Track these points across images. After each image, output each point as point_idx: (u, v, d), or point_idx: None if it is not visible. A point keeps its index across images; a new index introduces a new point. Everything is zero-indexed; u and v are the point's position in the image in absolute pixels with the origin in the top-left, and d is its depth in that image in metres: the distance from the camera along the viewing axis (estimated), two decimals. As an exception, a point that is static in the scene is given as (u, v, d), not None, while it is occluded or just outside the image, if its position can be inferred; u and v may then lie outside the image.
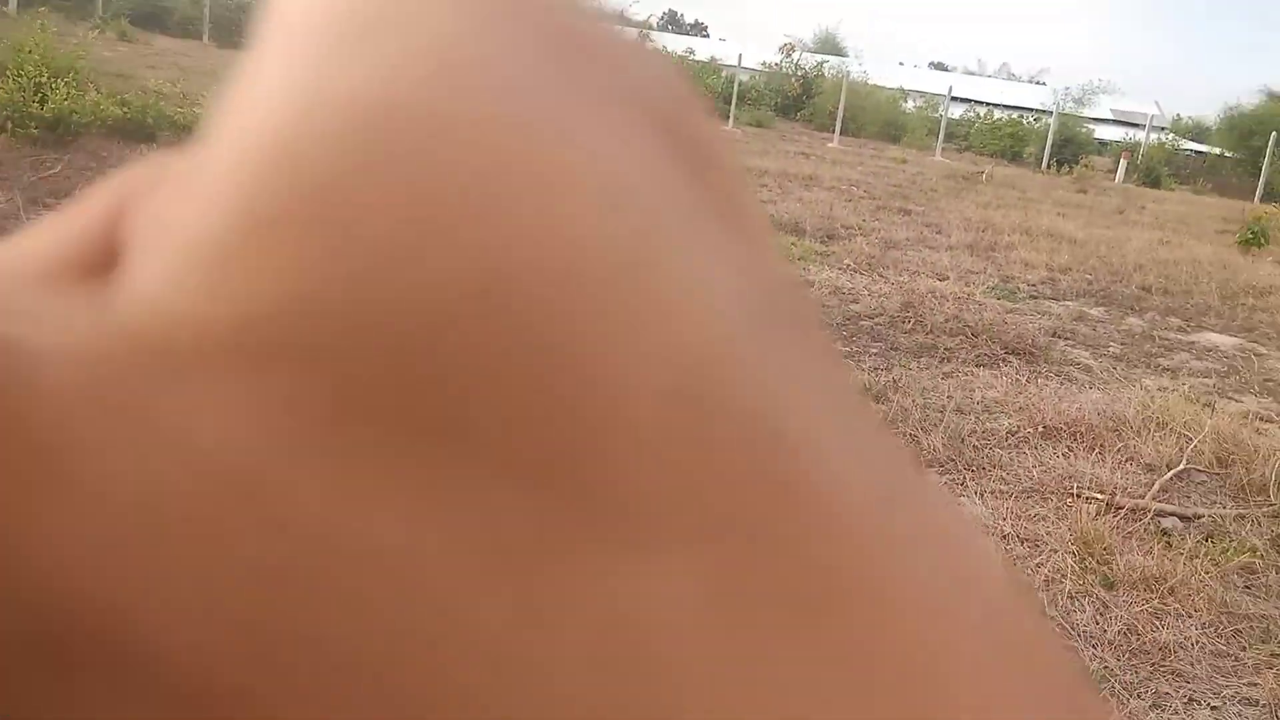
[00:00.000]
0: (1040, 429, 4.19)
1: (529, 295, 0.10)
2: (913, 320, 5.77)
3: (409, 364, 0.10)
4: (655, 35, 35.02)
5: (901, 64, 50.43)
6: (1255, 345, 6.49)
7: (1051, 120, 29.09)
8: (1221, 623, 2.83)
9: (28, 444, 0.10)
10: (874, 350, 5.16)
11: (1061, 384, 4.89)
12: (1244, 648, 2.74)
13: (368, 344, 0.10)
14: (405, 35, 0.11)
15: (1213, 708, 2.47)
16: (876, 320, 5.76)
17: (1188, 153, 32.53)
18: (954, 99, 30.26)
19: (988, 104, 35.11)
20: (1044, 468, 3.80)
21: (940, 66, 56.26)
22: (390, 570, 0.10)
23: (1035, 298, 7.06)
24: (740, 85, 29.36)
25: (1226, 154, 32.38)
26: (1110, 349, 5.87)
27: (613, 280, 0.10)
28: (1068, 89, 34.16)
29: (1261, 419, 4.79)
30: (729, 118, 27.12)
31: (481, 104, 0.11)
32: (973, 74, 51.40)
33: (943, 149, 26.47)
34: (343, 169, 0.10)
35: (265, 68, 0.12)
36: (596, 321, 0.10)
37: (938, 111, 30.83)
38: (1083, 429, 4.22)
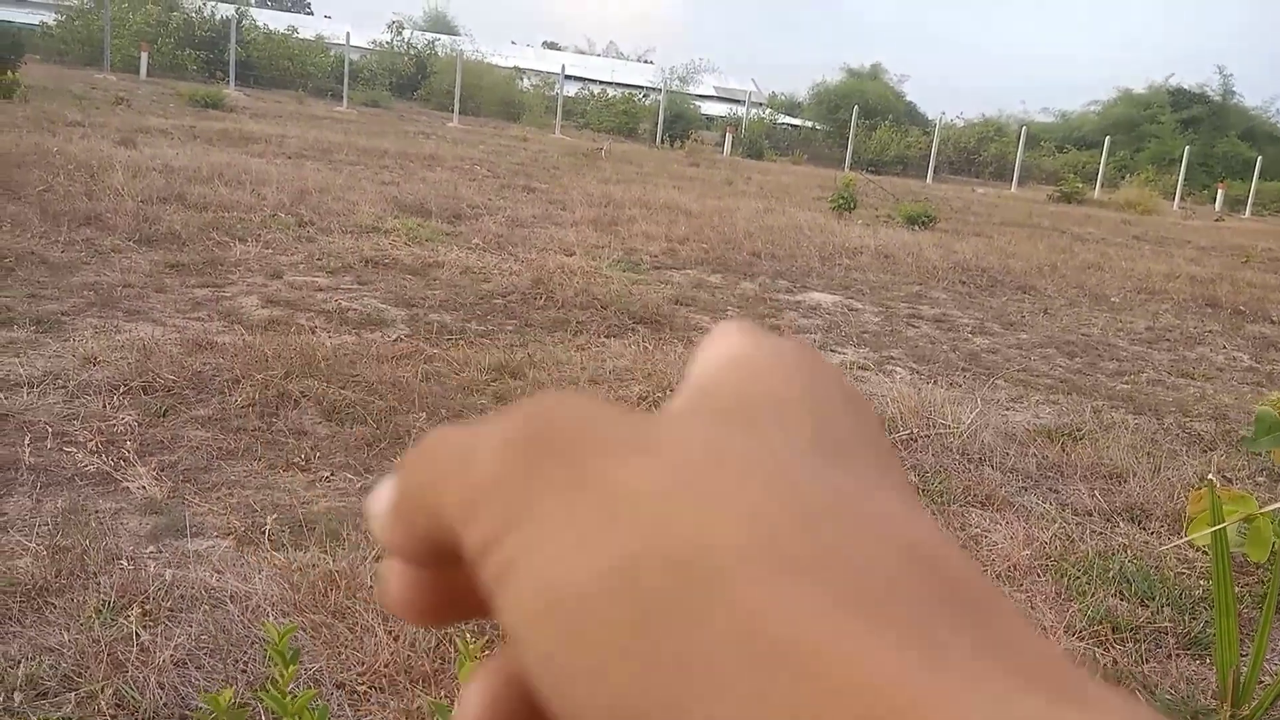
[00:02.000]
0: (668, 393, 4.34)
1: None
2: (544, 296, 5.84)
3: None
4: (255, 13, 33.30)
5: (514, 43, 50.86)
6: (852, 301, 7.09)
7: (661, 98, 30.37)
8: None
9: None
10: (509, 328, 5.17)
11: (686, 349, 5.11)
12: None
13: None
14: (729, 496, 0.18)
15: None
16: (509, 298, 5.78)
17: (785, 126, 35.05)
18: (568, 77, 30.91)
19: (601, 82, 36.13)
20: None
21: (553, 46, 57.26)
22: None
23: (658, 268, 7.35)
24: (352, 64, 28.55)
25: (818, 127, 35.19)
26: (728, 312, 6.21)
27: None
28: (673, 68, 35.81)
29: (861, 367, 5.24)
30: (342, 98, 26.36)
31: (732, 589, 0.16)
32: (583, 53, 52.70)
33: (561, 127, 27.01)
34: (633, 615, 0.16)
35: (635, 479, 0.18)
36: None
37: (553, 90, 31.39)
38: (709, 390, 4.42)
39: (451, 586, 0.22)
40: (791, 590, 0.16)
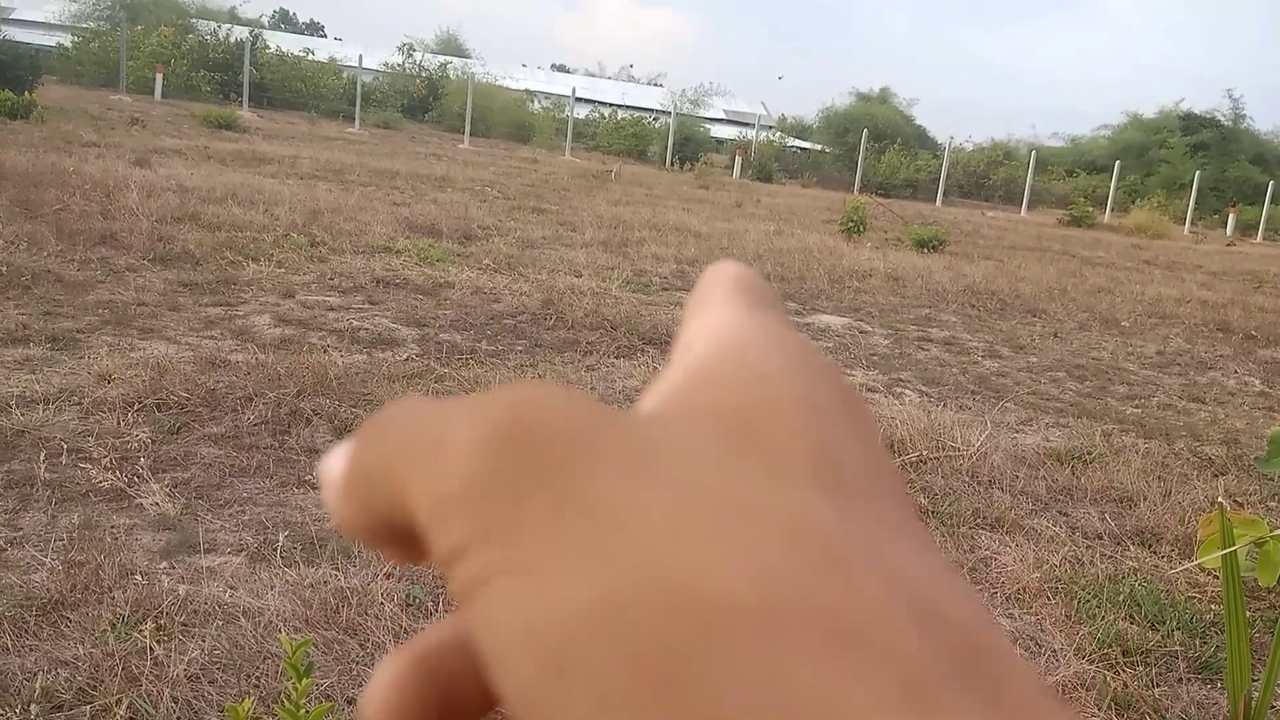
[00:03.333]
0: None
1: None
2: (554, 316, 5.86)
3: None
4: (268, 35, 33.54)
5: (525, 65, 51.18)
6: (861, 323, 7.10)
7: (671, 120, 30.47)
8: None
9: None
10: (519, 348, 5.19)
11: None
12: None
13: None
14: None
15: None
16: (519, 318, 5.80)
17: (794, 150, 35.13)
18: (578, 100, 31.05)
19: (611, 105, 36.27)
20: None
21: (562, 69, 57.58)
22: None
23: (667, 289, 7.37)
24: (364, 86, 28.72)
25: (827, 150, 35.28)
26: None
27: None
28: (684, 91, 35.91)
29: (869, 389, 5.24)
30: (355, 120, 26.51)
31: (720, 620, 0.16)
32: (594, 76, 52.98)
33: (571, 149, 27.12)
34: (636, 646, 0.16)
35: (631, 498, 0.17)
36: None
37: (564, 112, 31.52)
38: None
39: (446, 696, 0.22)
40: (794, 649, 0.15)
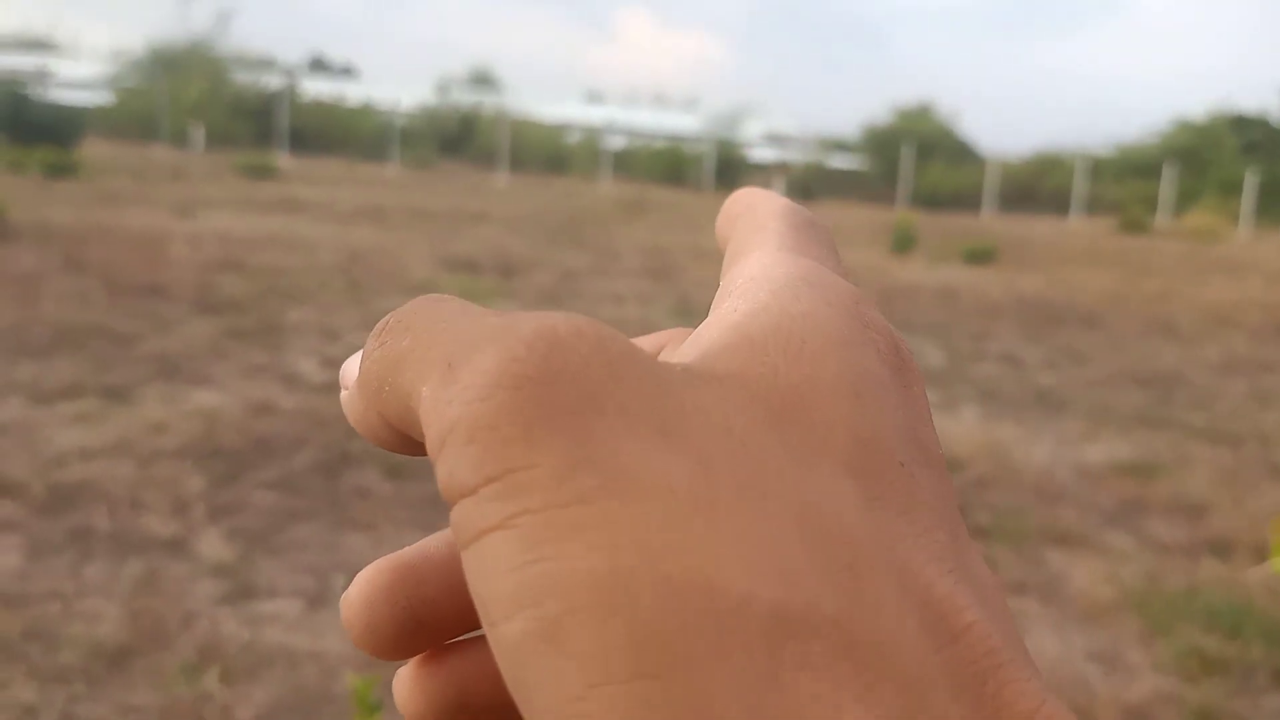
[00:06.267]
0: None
1: None
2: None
3: None
4: (303, 79, 34.05)
5: (557, 96, 51.62)
6: (914, 340, 6.99)
7: (708, 144, 30.54)
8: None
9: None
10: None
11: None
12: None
13: None
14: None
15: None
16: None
17: (834, 168, 35.05)
18: (613, 130, 31.22)
19: (646, 134, 36.41)
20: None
21: (596, 98, 58.00)
22: None
23: (712, 314, 7.32)
24: (400, 129, 29.09)
25: (869, 168, 35.16)
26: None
27: None
28: (719, 115, 35.89)
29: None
30: (391, 160, 26.80)
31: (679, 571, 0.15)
32: (629, 103, 53.26)
33: (608, 178, 27.25)
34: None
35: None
36: None
37: (599, 142, 31.70)
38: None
39: (420, 611, 0.22)
40: (798, 658, 0.15)
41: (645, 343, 0.26)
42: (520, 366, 0.16)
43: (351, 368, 0.21)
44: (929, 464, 0.19)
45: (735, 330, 0.20)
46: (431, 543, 0.22)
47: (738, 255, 0.24)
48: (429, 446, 0.17)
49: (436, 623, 0.22)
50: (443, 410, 0.17)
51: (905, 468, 0.18)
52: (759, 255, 0.23)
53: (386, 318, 0.20)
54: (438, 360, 0.18)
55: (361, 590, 0.22)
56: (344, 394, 0.22)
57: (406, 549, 0.22)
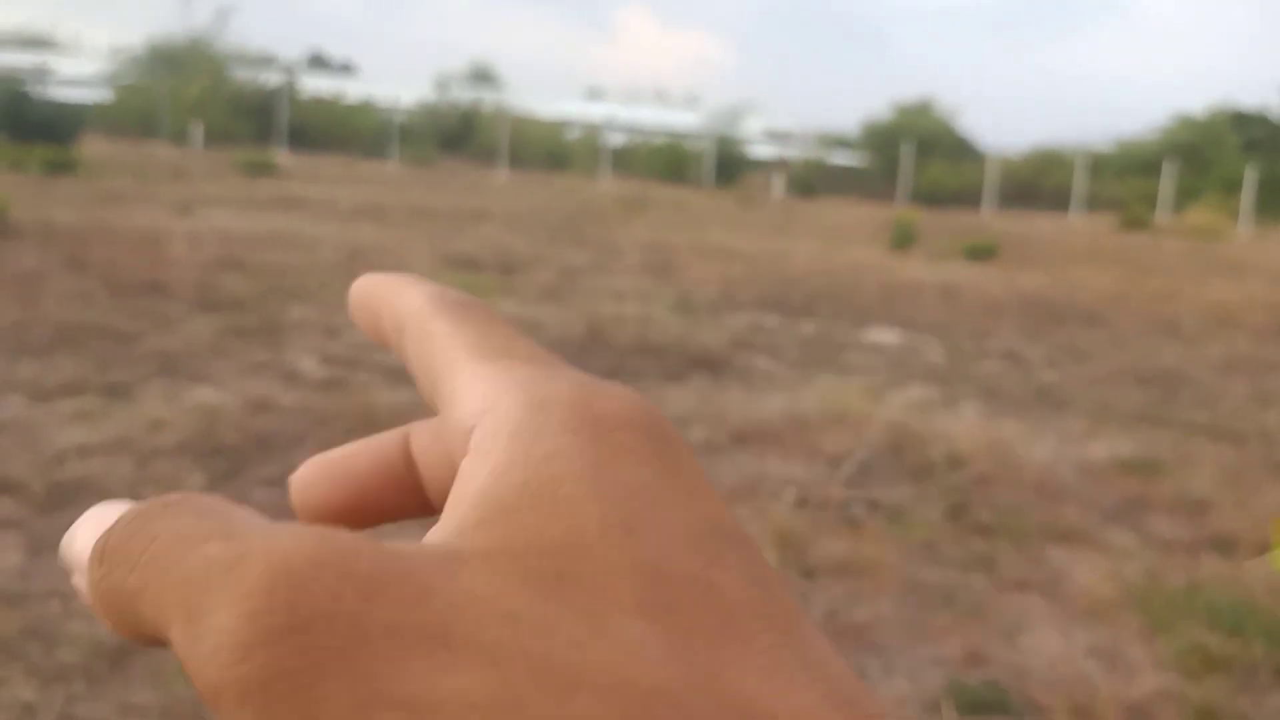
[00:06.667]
0: (731, 435, 4.32)
1: None
2: (599, 343, 5.84)
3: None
4: (303, 76, 33.98)
5: (557, 93, 51.52)
6: (915, 337, 7.01)
7: (710, 141, 30.51)
8: (909, 595, 3.00)
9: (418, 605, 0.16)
10: (567, 377, 5.16)
11: (746, 391, 5.07)
12: (930, 615, 2.90)
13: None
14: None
15: (908, 671, 2.60)
16: (564, 348, 5.78)
17: (835, 165, 35.02)
18: (613, 126, 31.19)
19: (647, 131, 36.37)
20: (739, 472, 3.91)
21: (596, 94, 57.89)
22: None
23: (714, 311, 7.33)
24: (400, 126, 29.05)
25: (868, 165, 35.13)
26: (788, 353, 6.16)
27: None
28: (720, 112, 35.85)
29: (928, 405, 5.16)
30: (391, 157, 26.78)
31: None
32: (629, 100, 53.18)
33: (608, 175, 27.23)
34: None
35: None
36: None
37: (599, 139, 31.67)
38: (770, 431, 4.39)
39: (352, 498, 0.27)
40: None
41: (379, 446, 0.26)
42: (268, 619, 0.15)
43: (73, 551, 0.20)
44: (727, 547, 0.18)
45: (486, 499, 0.18)
46: (378, 444, 0.26)
47: (436, 378, 0.23)
48: (199, 694, 0.15)
49: (368, 508, 0.26)
50: (201, 668, 0.15)
51: (702, 579, 0.17)
52: (466, 380, 0.22)
53: (106, 534, 0.19)
54: (175, 607, 0.16)
55: (299, 477, 0.27)
56: (75, 579, 0.20)
57: (342, 450, 0.27)
